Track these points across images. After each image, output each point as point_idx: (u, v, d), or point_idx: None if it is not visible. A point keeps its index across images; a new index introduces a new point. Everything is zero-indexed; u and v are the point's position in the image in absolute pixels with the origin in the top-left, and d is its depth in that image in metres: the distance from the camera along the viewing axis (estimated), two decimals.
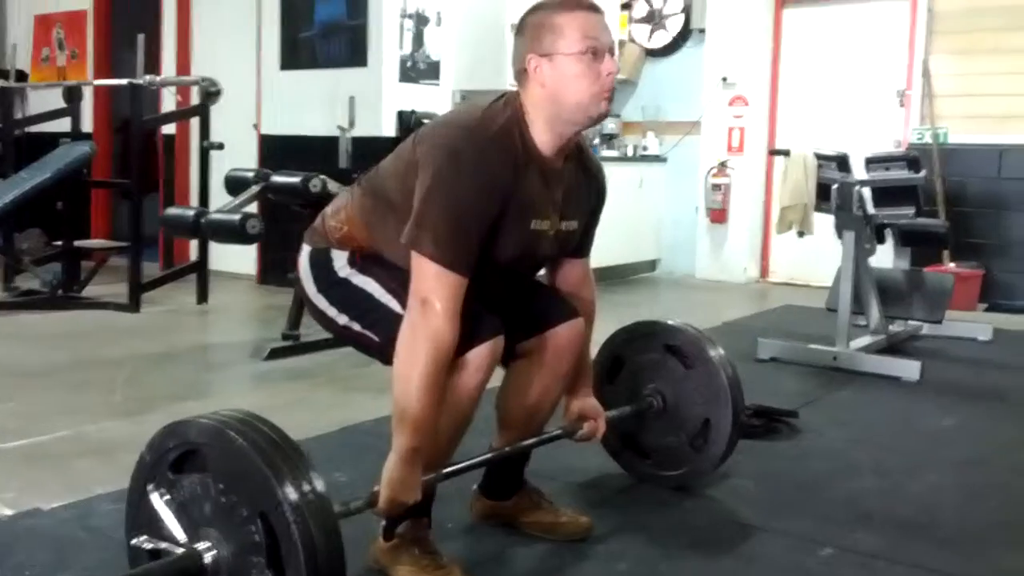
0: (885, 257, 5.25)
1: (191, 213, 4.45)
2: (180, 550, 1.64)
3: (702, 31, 7.68)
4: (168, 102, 7.05)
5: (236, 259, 6.73)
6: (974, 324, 5.40)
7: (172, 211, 4.67)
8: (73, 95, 6.36)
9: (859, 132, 6.88)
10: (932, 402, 3.94)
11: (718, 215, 7.55)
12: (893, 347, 4.82)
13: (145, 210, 5.76)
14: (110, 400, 3.68)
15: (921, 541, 2.48)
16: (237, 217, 4.21)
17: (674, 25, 7.92)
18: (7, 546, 2.28)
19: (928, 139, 6.71)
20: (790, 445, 3.31)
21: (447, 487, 2.17)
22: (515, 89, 2.10)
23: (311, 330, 4.67)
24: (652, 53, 8.06)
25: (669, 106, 7.95)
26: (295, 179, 4.46)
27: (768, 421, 3.43)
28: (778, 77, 7.59)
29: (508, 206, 1.99)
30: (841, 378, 4.28)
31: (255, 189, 4.55)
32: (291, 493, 1.53)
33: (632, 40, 8.04)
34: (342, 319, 2.15)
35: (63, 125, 6.41)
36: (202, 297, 5.88)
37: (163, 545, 1.67)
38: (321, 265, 2.18)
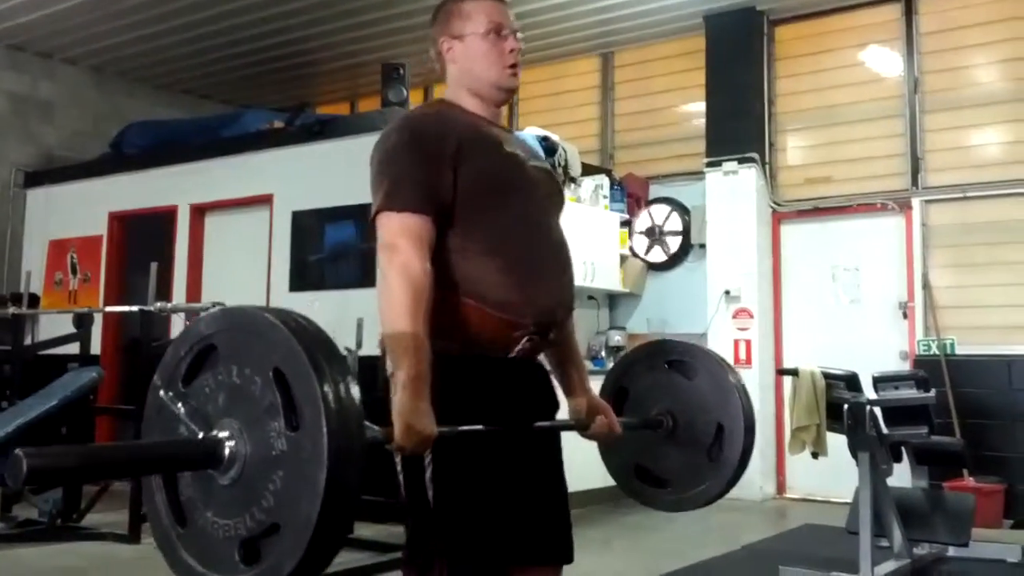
0: (903, 473, 5.14)
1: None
2: None
3: (703, 246, 7.83)
4: (178, 326, 7.12)
5: None
6: (1002, 545, 5.21)
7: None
8: (83, 321, 6.43)
9: (865, 345, 6.90)
10: None
11: None
12: (919, 571, 4.63)
13: None
14: None
15: None
16: None
17: (675, 239, 8.10)
18: None
19: (935, 350, 6.72)
20: None
21: None
22: None
23: None
24: (654, 267, 8.21)
25: (674, 319, 8.01)
26: None
27: None
28: (780, 290, 7.68)
29: (462, 143, 2.08)
30: None
31: None
32: (303, 338, 1.54)
33: (634, 254, 8.20)
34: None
35: (72, 347, 6.45)
36: None
37: None
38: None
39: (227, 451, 1.60)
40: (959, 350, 6.71)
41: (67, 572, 4.76)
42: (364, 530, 5.18)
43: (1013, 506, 6.32)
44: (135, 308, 5.97)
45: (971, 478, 6.17)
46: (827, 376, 4.68)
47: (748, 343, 7.46)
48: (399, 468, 2.10)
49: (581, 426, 2.36)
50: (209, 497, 1.64)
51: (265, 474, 1.57)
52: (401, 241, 1.98)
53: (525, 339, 2.10)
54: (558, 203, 2.34)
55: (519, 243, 2.11)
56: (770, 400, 7.50)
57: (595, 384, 2.47)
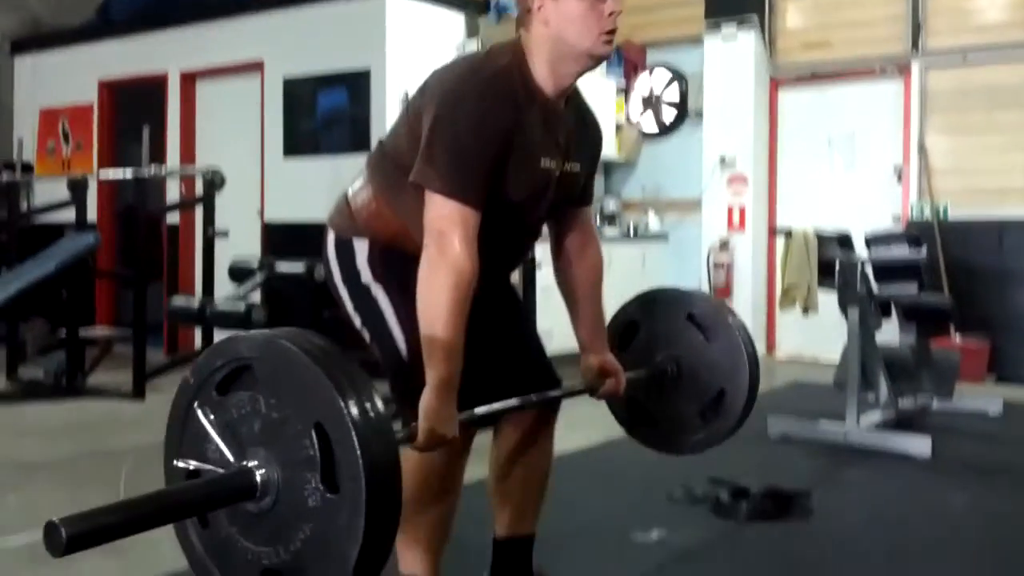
0: (891, 331, 5.24)
1: (196, 303, 4.47)
2: (223, 471, 1.58)
3: (699, 113, 7.79)
4: (173, 191, 7.13)
5: None
6: (984, 398, 5.36)
7: (178, 301, 4.69)
8: (78, 187, 6.40)
9: (858, 208, 6.93)
10: (944, 479, 3.89)
11: (722, 292, 7.55)
12: (903, 422, 4.77)
13: (149, 298, 5.78)
14: (115, 494, 3.63)
15: None
16: (242, 306, 4.22)
17: (671, 107, 8.04)
18: None
19: (927, 214, 6.76)
20: (803, 528, 3.26)
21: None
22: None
23: None
24: (650, 135, 8.17)
25: (669, 185, 8.02)
26: (299, 268, 4.49)
27: (780, 503, 3.38)
28: (776, 156, 7.67)
29: (512, 143, 2.01)
30: (852, 456, 4.24)
31: (259, 278, 4.57)
32: (351, 401, 1.46)
33: (629, 122, 8.15)
34: (356, 320, 2.19)
35: (68, 215, 6.47)
36: None
37: (206, 467, 1.61)
38: (345, 258, 2.19)
39: (259, 482, 1.56)
40: (952, 214, 6.75)
41: (73, 428, 4.88)
42: None
43: (997, 364, 6.47)
44: (129, 172, 5.95)
45: (958, 337, 6.30)
46: (820, 236, 4.74)
47: (742, 209, 7.49)
48: (369, 336, 2.17)
49: (589, 389, 2.36)
50: (236, 514, 1.61)
51: (295, 522, 1.55)
52: (454, 234, 1.92)
53: None
54: (570, 194, 2.26)
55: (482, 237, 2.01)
56: (762, 262, 7.57)
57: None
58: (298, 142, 6.78)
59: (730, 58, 7.56)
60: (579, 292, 2.34)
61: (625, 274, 7.07)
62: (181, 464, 1.66)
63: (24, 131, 8.48)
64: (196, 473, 1.65)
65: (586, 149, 2.27)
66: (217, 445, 1.61)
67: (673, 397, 2.63)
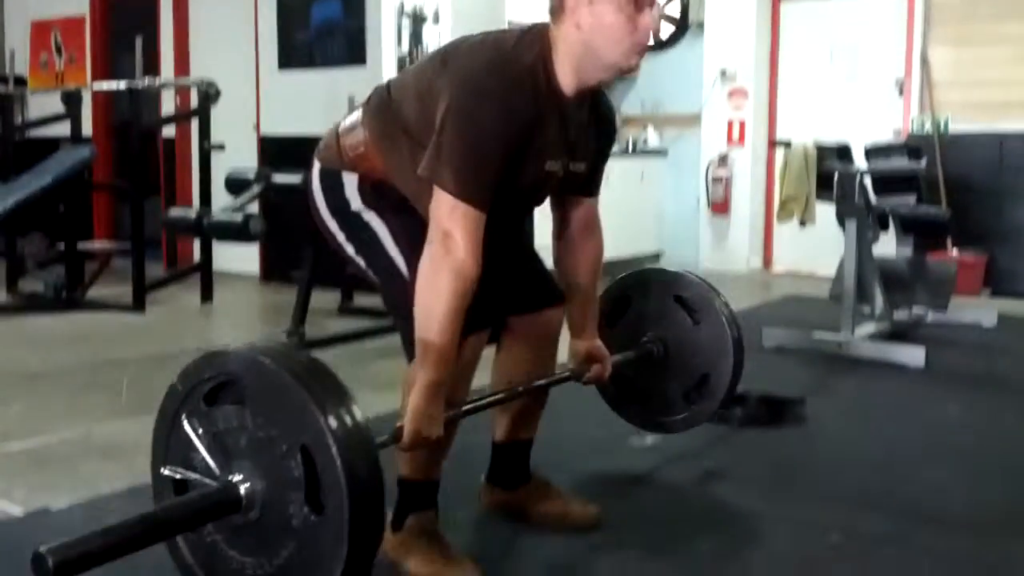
0: (888, 244, 5.25)
1: (194, 214, 4.46)
2: (210, 482, 1.60)
3: (700, 25, 7.67)
4: (167, 104, 7.05)
5: (239, 259, 6.73)
6: (979, 310, 5.39)
7: (175, 212, 4.69)
8: (72, 100, 6.35)
9: (859, 122, 6.86)
10: (938, 389, 3.94)
11: (720, 207, 7.54)
12: (898, 334, 4.81)
13: (147, 213, 5.77)
14: (116, 401, 3.68)
15: (929, 527, 2.48)
16: (239, 217, 4.22)
17: (672, 21, 7.91)
18: (18, 545, 2.27)
19: (928, 128, 6.71)
20: (796, 433, 3.31)
21: (455, 481, 2.17)
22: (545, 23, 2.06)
23: (315, 328, 4.69)
24: (650, 48, 8.05)
25: (668, 100, 7.93)
26: (296, 178, 4.47)
27: (774, 410, 3.43)
28: (777, 69, 7.57)
29: (527, 145, 1.98)
30: (846, 366, 4.28)
31: (256, 189, 4.56)
32: (336, 428, 1.48)
33: None
34: (349, 248, 2.18)
35: (63, 129, 6.42)
36: (206, 297, 5.89)
37: (193, 476, 1.63)
38: (332, 188, 2.17)
39: (244, 495, 1.58)
40: (952, 128, 6.69)
41: (74, 339, 4.92)
42: (362, 299, 5.32)
43: (993, 278, 6.49)
44: (123, 84, 5.88)
45: (954, 251, 6.31)
46: (819, 147, 4.71)
47: (742, 123, 7.44)
48: (364, 264, 2.17)
49: (575, 374, 2.38)
50: (222, 523, 1.63)
51: (280, 538, 1.57)
52: (460, 235, 1.89)
53: None
54: (573, 188, 2.24)
55: None
56: (761, 177, 7.53)
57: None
58: (293, 54, 6.69)
59: None
60: (576, 279, 2.33)
61: (624, 190, 7.05)
62: (168, 472, 1.68)
63: (15, 44, 8.36)
64: (183, 483, 1.67)
65: (595, 145, 2.23)
66: (203, 461, 1.64)
67: (658, 378, 2.71)
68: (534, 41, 2.01)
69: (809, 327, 4.67)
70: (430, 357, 1.90)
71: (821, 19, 7.35)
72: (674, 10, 7.87)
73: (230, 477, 1.59)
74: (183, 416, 1.67)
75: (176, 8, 7.46)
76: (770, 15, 7.53)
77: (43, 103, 7.32)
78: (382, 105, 2.13)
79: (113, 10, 8.11)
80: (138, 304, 5.52)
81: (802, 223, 4.69)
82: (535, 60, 1.98)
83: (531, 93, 1.97)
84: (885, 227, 5.05)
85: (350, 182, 2.14)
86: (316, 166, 2.23)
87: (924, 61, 6.78)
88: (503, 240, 2.15)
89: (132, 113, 5.82)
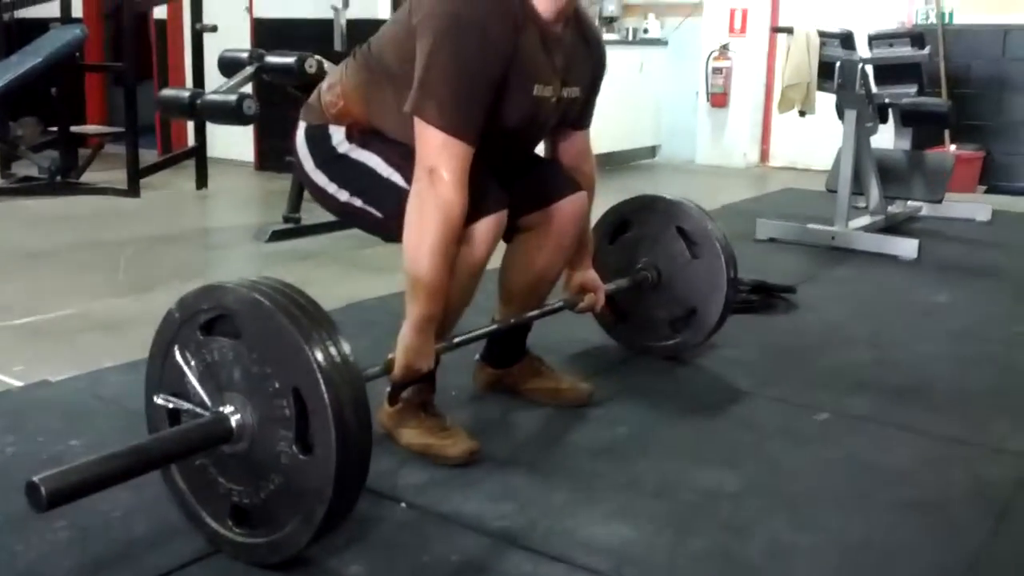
0: (886, 139, 5.22)
1: (187, 94, 4.40)
2: (203, 412, 1.64)
3: None
4: None
5: (234, 145, 6.69)
6: (973, 205, 5.41)
7: (168, 92, 4.61)
8: None
9: (863, 10, 6.75)
10: (929, 279, 3.97)
11: (719, 99, 7.47)
12: (892, 227, 4.84)
13: (140, 98, 5.70)
14: (114, 279, 3.71)
15: (913, 406, 2.54)
16: (233, 97, 4.16)
17: None
18: (19, 415, 2.33)
19: (932, 19, 6.60)
20: (787, 319, 3.35)
21: (450, 357, 2.21)
22: None
23: (312, 214, 4.69)
24: None
25: None
26: (290, 59, 4.41)
27: (765, 296, 3.47)
28: None
29: (510, 71, 1.97)
30: (839, 257, 4.31)
31: (250, 70, 4.50)
32: (328, 372, 1.51)
33: None
34: (343, 195, 2.14)
35: (53, 10, 6.29)
36: (201, 182, 5.87)
37: (185, 406, 1.67)
38: (318, 141, 2.17)
39: (235, 427, 1.60)
40: (957, 19, 6.59)
41: (71, 220, 4.92)
42: None
43: (990, 173, 6.48)
44: None
45: (953, 146, 6.28)
46: (821, 34, 4.63)
47: (744, 12, 7.31)
48: (362, 201, 2.12)
49: (568, 304, 2.42)
50: (212, 450, 1.65)
51: (267, 472, 1.59)
52: (445, 168, 1.87)
53: None
54: (567, 118, 2.23)
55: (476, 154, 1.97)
56: (761, 67, 7.46)
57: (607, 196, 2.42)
58: None
59: None
60: None
61: (623, 81, 6.96)
62: (160, 401, 1.70)
63: None
64: (176, 412, 1.70)
65: (587, 71, 2.20)
66: (195, 392, 1.66)
67: (647, 302, 2.76)
68: None
69: (804, 219, 4.69)
70: (420, 292, 1.91)
71: None
72: None
73: (221, 408, 1.63)
74: (177, 344, 1.69)
75: None
76: None
77: None
78: (364, 60, 2.12)
79: None
80: (133, 189, 5.51)
81: (802, 113, 4.63)
82: None
83: (506, 15, 1.95)
84: (884, 120, 5.01)
85: (336, 132, 2.14)
86: (300, 126, 2.21)
87: None
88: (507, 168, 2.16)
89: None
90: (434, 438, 2.13)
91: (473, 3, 1.92)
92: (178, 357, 1.69)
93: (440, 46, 1.89)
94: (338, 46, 5.72)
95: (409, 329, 1.95)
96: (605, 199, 2.71)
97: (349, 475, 1.55)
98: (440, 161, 1.88)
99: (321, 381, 1.50)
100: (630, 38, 7.65)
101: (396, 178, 2.05)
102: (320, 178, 2.17)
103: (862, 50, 4.64)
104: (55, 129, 6.01)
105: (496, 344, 2.48)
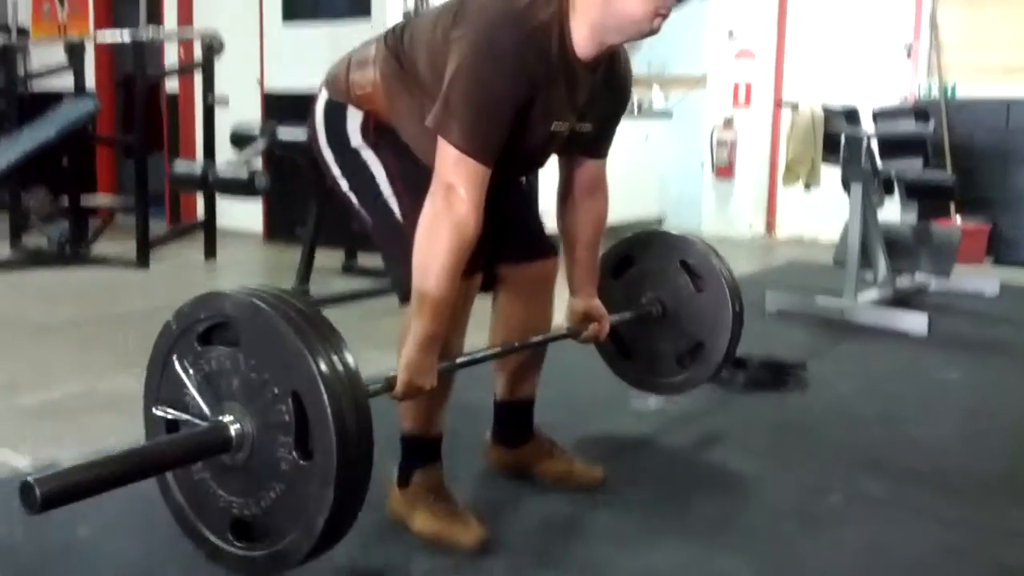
0: (892, 211, 5.24)
1: (199, 169, 4.45)
2: (201, 423, 1.61)
3: None
4: (171, 56, 7.01)
5: (242, 216, 6.73)
6: (981, 278, 5.40)
7: (180, 166, 4.67)
8: (75, 51, 6.30)
9: (866, 85, 6.83)
10: (939, 355, 3.95)
11: (724, 170, 7.52)
12: (900, 301, 4.82)
13: (150, 168, 5.75)
14: (121, 355, 3.70)
15: (929, 489, 2.50)
16: (245, 173, 4.21)
17: None
18: None
19: (935, 93, 6.67)
20: (798, 397, 3.33)
21: (462, 436, 2.19)
22: None
23: (320, 286, 4.70)
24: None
25: (674, 60, 7.87)
26: (301, 135, 4.45)
27: (776, 373, 3.45)
28: (785, 30, 7.51)
29: (533, 104, 1.97)
30: (849, 331, 4.29)
31: (261, 144, 4.55)
32: (328, 375, 1.49)
33: None
34: (343, 184, 2.18)
35: (66, 81, 6.38)
36: (210, 253, 5.89)
37: (183, 416, 1.65)
38: (334, 121, 2.17)
39: (234, 436, 1.59)
40: (960, 93, 6.65)
41: (79, 293, 4.93)
42: (366, 259, 5.32)
43: (996, 245, 6.49)
44: (126, 34, 5.83)
45: (958, 217, 6.30)
46: (826, 110, 4.68)
47: (748, 85, 7.39)
48: (357, 201, 2.16)
49: (572, 332, 2.40)
50: (211, 461, 1.65)
51: (267, 480, 1.58)
52: (463, 187, 1.88)
53: None
54: (577, 148, 2.23)
55: None
56: (766, 141, 7.51)
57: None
58: (297, 6, 6.64)
59: None
60: (579, 239, 2.34)
61: (629, 152, 7.00)
62: (159, 413, 1.70)
63: None
64: (175, 423, 1.68)
65: (607, 108, 2.20)
66: (194, 401, 1.65)
67: (653, 337, 2.72)
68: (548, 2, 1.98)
69: (812, 292, 4.68)
70: (426, 309, 1.90)
71: None
72: None
73: (220, 417, 1.60)
74: (175, 355, 1.68)
75: None
76: None
77: (45, 55, 7.28)
78: (396, 50, 2.11)
79: None
80: (142, 260, 5.53)
81: (807, 186, 4.66)
82: (550, 19, 1.94)
83: (542, 50, 1.94)
84: (890, 192, 5.04)
85: (354, 118, 2.14)
86: (323, 95, 2.21)
87: (933, 24, 6.72)
88: (503, 192, 2.15)
89: (136, 65, 5.78)
90: (445, 525, 2.10)
91: (510, 33, 1.92)
92: (177, 367, 1.67)
93: (470, 69, 1.90)
94: None
95: (412, 346, 1.93)
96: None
97: (350, 480, 1.53)
98: (457, 179, 1.89)
99: (320, 383, 1.49)
100: (635, 111, 7.72)
101: (392, 203, 2.09)
102: (329, 156, 2.19)
103: (866, 124, 4.68)
104: (65, 199, 6.05)
105: (505, 422, 2.46)
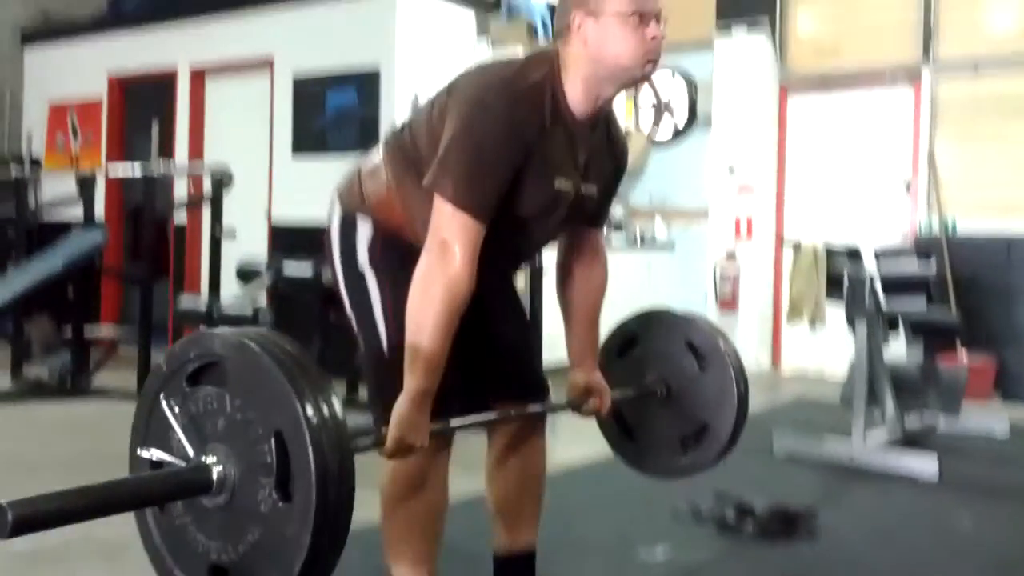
0: (898, 346, 5.22)
1: (204, 305, 4.46)
2: (183, 464, 1.59)
3: (708, 120, 7.75)
4: (180, 188, 7.12)
5: None
6: (990, 418, 5.33)
7: (185, 302, 4.69)
8: (86, 183, 6.38)
9: (866, 220, 6.91)
10: (952, 502, 3.87)
11: (728, 303, 7.53)
12: (909, 441, 4.75)
13: (155, 297, 5.76)
14: None
15: None
16: (249, 308, 4.22)
17: (680, 115, 7.99)
18: None
19: (936, 230, 6.73)
20: (808, 546, 3.24)
21: None
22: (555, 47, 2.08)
23: None
24: (658, 143, 8.14)
25: (676, 194, 8.00)
26: (307, 271, 4.49)
27: (786, 522, 3.37)
28: (785, 165, 7.64)
29: (531, 160, 1.98)
30: (858, 475, 4.21)
31: (267, 280, 4.57)
32: (311, 416, 1.48)
33: (638, 128, 8.12)
34: (347, 302, 2.19)
35: (76, 211, 6.44)
36: None
37: (168, 458, 1.62)
38: (347, 237, 2.18)
39: (215, 479, 1.58)
40: (960, 228, 6.72)
41: (77, 428, 4.88)
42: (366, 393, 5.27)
43: (1003, 381, 6.45)
44: (137, 169, 5.93)
45: (964, 352, 6.28)
46: (829, 249, 4.72)
47: (750, 220, 7.47)
48: (355, 321, 2.17)
49: (572, 405, 2.36)
50: (191, 505, 1.63)
51: (246, 523, 1.57)
52: (458, 246, 1.91)
53: None
54: (583, 215, 2.24)
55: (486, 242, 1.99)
56: (769, 274, 7.55)
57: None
58: (307, 141, 6.78)
59: (740, 63, 7.51)
60: (578, 310, 2.33)
61: (630, 283, 7.05)
62: (145, 454, 1.68)
63: (33, 125, 8.47)
64: (159, 464, 1.67)
65: (607, 170, 2.23)
66: (179, 442, 1.63)
67: (657, 419, 2.65)
68: (543, 62, 2.04)
69: (820, 432, 4.62)
70: (418, 364, 1.90)
71: (829, 114, 7.45)
72: (682, 104, 7.97)
73: (203, 459, 1.59)
74: (163, 395, 1.67)
75: (193, 92, 7.59)
76: (777, 110, 7.62)
77: (57, 183, 7.39)
78: (398, 145, 2.16)
79: (130, 93, 8.24)
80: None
81: (812, 324, 4.67)
82: (543, 79, 2.00)
83: (536, 109, 1.98)
84: (895, 329, 5.03)
85: (363, 232, 2.16)
86: (336, 209, 2.23)
87: (931, 159, 6.84)
88: (503, 312, 2.21)
89: (146, 197, 5.87)
90: None
91: (501, 95, 1.96)
92: (164, 408, 1.65)
93: (463, 130, 1.94)
94: None
95: (405, 402, 1.89)
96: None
97: (328, 523, 1.49)
98: (450, 235, 1.91)
99: (303, 422, 1.47)
100: (637, 242, 7.80)
101: (382, 335, 2.09)
102: (340, 273, 2.20)
103: (868, 261, 4.70)
104: (69, 328, 6.04)
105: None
